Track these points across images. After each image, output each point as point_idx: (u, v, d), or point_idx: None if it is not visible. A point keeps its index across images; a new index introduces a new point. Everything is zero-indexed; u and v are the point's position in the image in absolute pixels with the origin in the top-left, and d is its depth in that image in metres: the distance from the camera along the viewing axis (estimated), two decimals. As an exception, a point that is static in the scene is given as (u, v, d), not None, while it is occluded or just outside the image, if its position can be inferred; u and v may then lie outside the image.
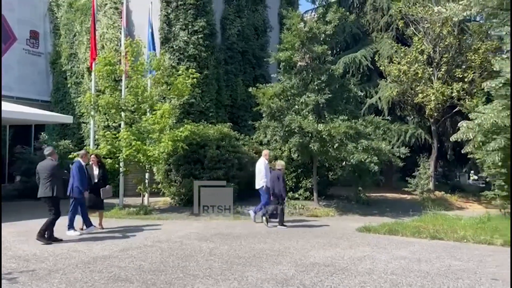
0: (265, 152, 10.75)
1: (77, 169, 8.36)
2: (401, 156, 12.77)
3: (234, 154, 12.77)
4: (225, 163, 12.46)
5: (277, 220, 9.75)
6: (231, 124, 14.45)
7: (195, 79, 12.44)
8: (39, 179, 7.67)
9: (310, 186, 13.72)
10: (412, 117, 19.02)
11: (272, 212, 9.80)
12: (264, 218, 10.01)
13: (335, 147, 11.72)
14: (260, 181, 10.23)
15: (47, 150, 7.89)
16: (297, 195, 13.69)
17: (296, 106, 12.44)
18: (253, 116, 15.40)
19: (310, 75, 12.64)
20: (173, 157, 12.57)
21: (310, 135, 11.96)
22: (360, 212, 12.51)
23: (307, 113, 12.23)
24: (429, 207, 13.24)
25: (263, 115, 12.80)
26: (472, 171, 27.74)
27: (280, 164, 10.17)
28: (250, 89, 12.80)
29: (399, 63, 16.84)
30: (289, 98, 12.70)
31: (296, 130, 11.86)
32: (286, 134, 12.32)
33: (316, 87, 12.43)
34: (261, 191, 10.24)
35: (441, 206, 13.83)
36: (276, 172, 9.99)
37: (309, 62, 12.61)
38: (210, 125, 13.75)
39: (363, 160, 11.41)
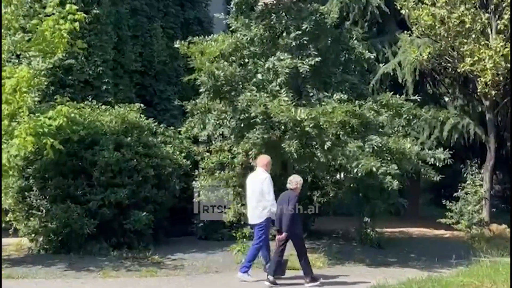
0: (263, 160, 10.85)
1: None
2: (438, 164, 13.06)
3: (148, 160, 12.83)
4: (131, 176, 12.46)
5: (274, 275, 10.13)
6: (142, 105, 14.37)
7: (76, 24, 12.20)
8: None
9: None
10: (454, 97, 19.56)
11: (277, 262, 10.23)
12: (267, 274, 10.30)
13: (326, 147, 11.79)
14: (260, 210, 10.36)
15: None
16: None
17: (259, 76, 12.52)
18: (182, 92, 15.32)
19: (283, 22, 12.75)
20: (36, 165, 12.50)
21: (283, 127, 12.04)
22: (367, 261, 12.74)
23: (278, 88, 12.28)
24: (483, 251, 13.62)
25: (201, 90, 12.76)
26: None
27: (295, 180, 10.36)
28: (176, 44, 12.83)
29: (433, 4, 17.28)
30: (247, 61, 12.78)
31: (258, 119, 11.91)
32: (242, 125, 12.37)
33: (293, 43, 12.55)
34: (260, 228, 10.43)
35: (503, 249, 14.27)
36: (287, 194, 10.22)
37: (281, -2, 12.76)
38: (104, 107, 13.71)
39: (374, 169, 11.58)
